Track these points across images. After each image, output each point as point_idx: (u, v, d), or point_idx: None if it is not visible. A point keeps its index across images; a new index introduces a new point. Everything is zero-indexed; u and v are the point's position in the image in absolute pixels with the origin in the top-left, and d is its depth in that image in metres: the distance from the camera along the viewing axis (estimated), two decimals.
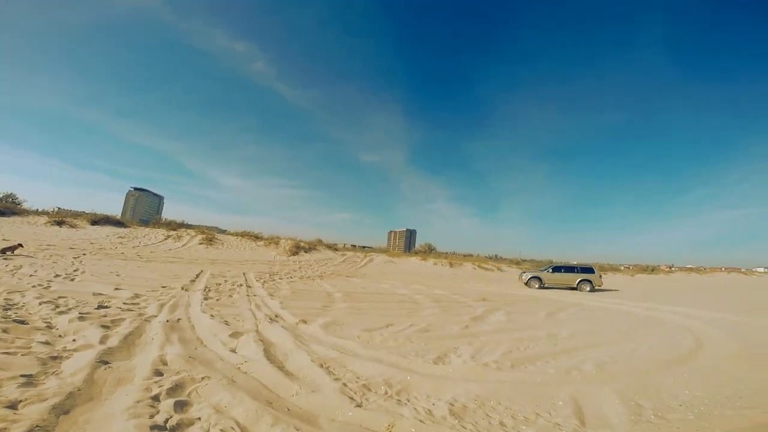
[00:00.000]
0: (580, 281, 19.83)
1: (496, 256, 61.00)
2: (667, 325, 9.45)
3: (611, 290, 21.41)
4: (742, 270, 61.53)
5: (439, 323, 8.07)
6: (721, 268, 60.03)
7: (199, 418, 3.01)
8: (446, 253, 50.78)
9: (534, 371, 4.93)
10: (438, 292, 14.19)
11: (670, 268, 60.45)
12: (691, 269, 56.05)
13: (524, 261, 48.57)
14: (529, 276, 20.02)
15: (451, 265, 28.05)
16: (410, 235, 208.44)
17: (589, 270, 20.46)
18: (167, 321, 6.25)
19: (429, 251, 42.52)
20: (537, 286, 19.66)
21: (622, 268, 53.49)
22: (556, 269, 20.56)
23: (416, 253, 34.55)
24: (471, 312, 9.81)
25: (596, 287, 19.90)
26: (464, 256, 44.29)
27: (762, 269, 68.41)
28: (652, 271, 49.58)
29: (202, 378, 3.84)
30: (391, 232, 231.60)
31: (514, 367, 5.04)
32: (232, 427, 2.89)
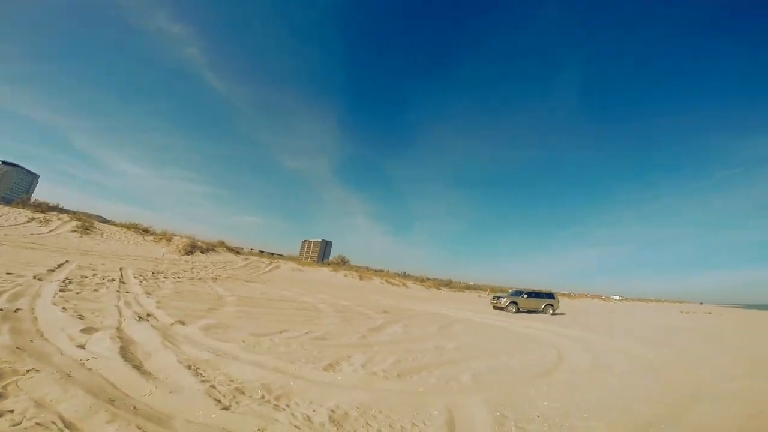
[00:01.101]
0: (545, 305, 22.31)
1: (405, 273, 63.22)
2: (537, 341, 10.50)
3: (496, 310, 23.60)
4: (603, 297, 73.99)
5: (337, 332, 7.90)
6: (586, 295, 70.94)
7: (12, 411, 2.58)
8: (359, 266, 51.11)
9: (418, 381, 5.04)
10: (343, 303, 14.01)
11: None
12: (563, 294, 65.20)
13: (428, 279, 51.24)
14: (509, 301, 21.48)
15: (361, 278, 28.16)
16: (325, 246, 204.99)
17: (551, 296, 23.05)
18: (0, 309, 5.04)
19: (342, 263, 42.26)
20: (514, 310, 21.33)
21: (510, 290, 59.78)
22: (529, 295, 22.56)
23: (329, 264, 33.99)
24: (371, 323, 9.83)
25: (555, 310, 22.71)
26: (376, 271, 45.03)
27: (617, 297, 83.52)
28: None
29: (28, 371, 3.28)
30: (305, 241, 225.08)
31: (401, 377, 5.10)
32: (53, 422, 2.50)
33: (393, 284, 30.31)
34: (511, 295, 22.71)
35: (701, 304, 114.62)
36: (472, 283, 59.18)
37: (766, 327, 24.84)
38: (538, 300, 22.74)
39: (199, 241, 26.21)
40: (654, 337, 13.80)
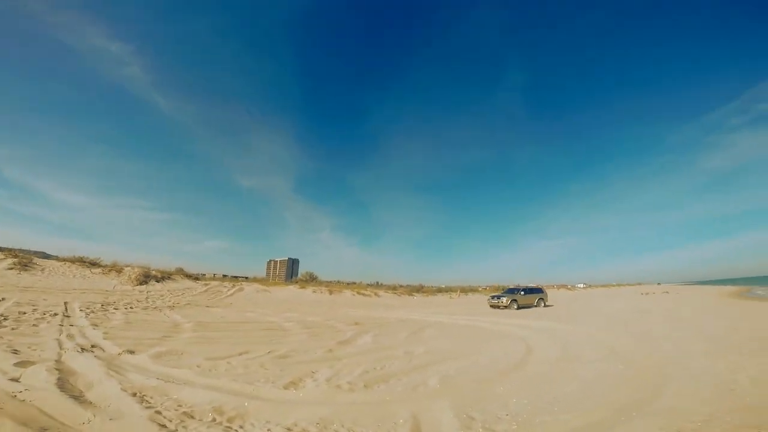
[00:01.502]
0: (538, 299, 24.19)
1: (377, 282, 62.83)
2: (506, 336, 10.47)
3: (469, 308, 23.82)
4: (568, 286, 77.27)
5: (303, 348, 7.55)
6: (553, 286, 73.60)
7: None
8: (329, 281, 50.15)
9: (385, 390, 4.83)
10: (311, 319, 13.55)
11: (517, 286, 71.30)
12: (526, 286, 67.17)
13: (400, 287, 51.20)
14: (510, 299, 22.14)
15: (330, 292, 27.55)
16: (292, 264, 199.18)
17: (541, 290, 25.28)
18: None
19: (310, 280, 41.28)
20: (516, 307, 22.04)
21: (480, 288, 61.13)
22: (525, 291, 24.08)
23: (296, 282, 33.03)
24: (340, 336, 9.52)
25: (546, 303, 24.56)
26: (347, 284, 44.38)
27: (582, 285, 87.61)
28: (502, 290, 57.75)
29: None
30: (270, 261, 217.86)
31: (367, 387, 4.89)
32: None
33: (364, 295, 29.92)
34: (508, 292, 23.68)
35: (659, 284, 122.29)
36: (443, 286, 59.73)
37: (715, 303, 26.67)
38: (533, 295, 24.11)
39: (153, 270, 24.64)
40: (618, 322, 14.09)
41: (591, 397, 4.52)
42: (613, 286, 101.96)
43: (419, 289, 51.30)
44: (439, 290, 54.32)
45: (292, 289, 26.78)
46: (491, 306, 22.86)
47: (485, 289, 62.62)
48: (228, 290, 23.59)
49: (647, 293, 47.34)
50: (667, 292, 49.84)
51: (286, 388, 4.66)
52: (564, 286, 74.34)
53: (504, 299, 22.35)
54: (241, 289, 24.19)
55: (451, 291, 53.12)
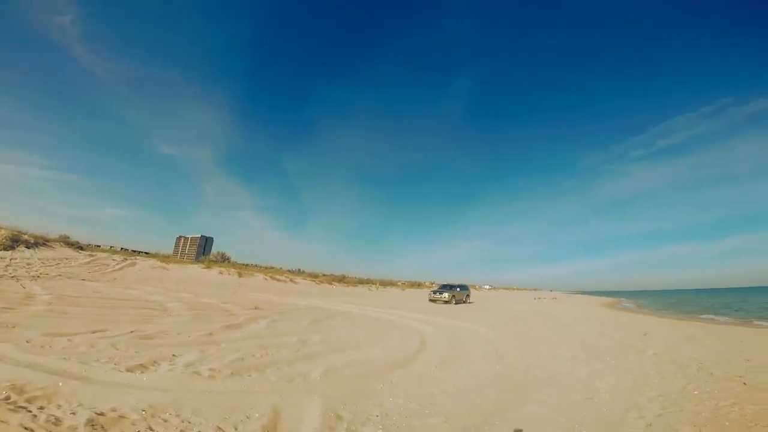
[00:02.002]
0: (467, 295, 27.35)
1: (299, 269, 61.19)
2: (408, 330, 10.51)
3: (385, 301, 24.24)
4: (476, 286, 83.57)
5: (177, 330, 6.80)
6: None
7: None
8: (247, 264, 47.30)
9: (256, 380, 4.43)
10: (205, 301, 12.48)
11: (432, 283, 74.93)
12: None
13: (322, 275, 50.58)
14: (450, 294, 24.01)
15: (240, 275, 25.91)
16: (205, 242, 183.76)
17: (467, 288, 28.53)
18: None
19: (222, 260, 38.52)
20: (454, 302, 23.98)
21: (399, 283, 63.15)
22: (461, 287, 27.16)
23: (202, 261, 30.48)
24: (231, 320, 8.82)
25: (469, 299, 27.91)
26: (266, 267, 42.24)
27: (487, 286, 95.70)
28: (419, 286, 60.58)
29: None
30: (180, 237, 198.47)
31: (234, 375, 4.45)
32: None
33: (278, 280, 28.76)
34: (444, 288, 26.08)
35: (551, 291, 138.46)
36: (365, 278, 60.37)
37: (591, 311, 30.67)
38: (463, 292, 26.88)
39: (24, 233, 20.76)
40: (509, 322, 15.09)
41: (464, 400, 4.44)
42: (514, 289, 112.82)
43: (341, 279, 51.08)
44: (361, 282, 54.71)
45: (196, 269, 24.61)
46: (431, 300, 24.31)
47: (403, 284, 64.81)
48: (117, 264, 20.82)
49: (539, 298, 53.07)
50: (555, 298, 56.39)
51: (129, 370, 4.04)
52: (472, 287, 79.99)
53: (446, 294, 23.99)
54: (133, 264, 21.50)
55: (371, 283, 53.93)
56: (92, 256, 21.61)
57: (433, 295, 24.81)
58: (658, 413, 4.19)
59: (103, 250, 29.53)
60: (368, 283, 54.20)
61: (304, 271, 50.79)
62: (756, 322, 18.33)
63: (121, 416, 2.82)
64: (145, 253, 46.93)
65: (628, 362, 7.20)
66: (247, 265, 46.63)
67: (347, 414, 3.70)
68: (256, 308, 11.72)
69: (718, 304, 37.43)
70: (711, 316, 22.46)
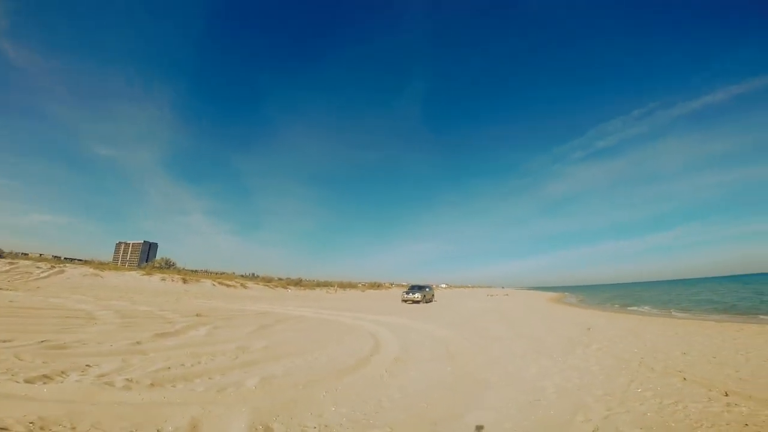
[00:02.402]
0: (432, 294, 29.24)
1: (253, 274, 59.01)
2: (361, 332, 10.20)
3: (342, 303, 23.83)
4: (433, 285, 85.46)
5: (99, 340, 6.18)
6: None
7: None
8: (196, 270, 44.64)
9: (180, 390, 4.03)
10: (142, 308, 11.53)
11: (391, 284, 75.42)
12: (403, 285, 72.08)
13: (276, 279, 49.10)
14: (420, 295, 25.68)
15: (184, 281, 24.38)
16: (149, 248, 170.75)
17: (431, 288, 31.14)
18: None
19: (167, 267, 36.13)
20: (425, 301, 25.81)
21: (359, 285, 62.90)
22: (428, 288, 29.36)
23: (143, 268, 28.35)
24: (166, 328, 8.17)
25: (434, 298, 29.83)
26: (217, 274, 40.11)
27: (444, 285, 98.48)
28: (379, 287, 60.76)
29: None
30: (121, 243, 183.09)
31: (154, 386, 4.03)
32: None
33: (229, 286, 27.42)
34: (414, 288, 27.60)
35: (503, 288, 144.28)
36: (324, 281, 59.41)
37: (540, 306, 32.17)
38: (430, 291, 29.31)
39: None
40: (462, 320, 15.14)
41: (411, 407, 4.23)
42: (469, 287, 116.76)
43: (298, 283, 49.81)
44: (319, 285, 53.71)
45: (135, 276, 22.82)
46: (403, 300, 25.84)
47: (364, 285, 64.57)
48: (42, 272, 18.75)
49: (492, 295, 55.05)
50: (507, 295, 58.88)
51: (29, 381, 3.56)
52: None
53: (417, 295, 25.94)
54: (61, 272, 19.48)
55: (330, 286, 53.09)
56: (12, 264, 19.31)
57: (405, 295, 26.25)
58: (605, 414, 4.07)
59: (30, 258, 26.53)
60: (326, 286, 53.36)
61: (258, 276, 49.00)
62: (674, 313, 20.26)
63: (3, 429, 2.41)
64: (79, 260, 42.91)
65: (575, 358, 7.23)
66: (196, 271, 44.11)
67: (279, 427, 3.37)
68: (198, 315, 11.00)
69: (649, 296, 41.07)
70: (647, 308, 24.41)
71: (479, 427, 3.74)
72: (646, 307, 24.33)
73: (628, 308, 25.29)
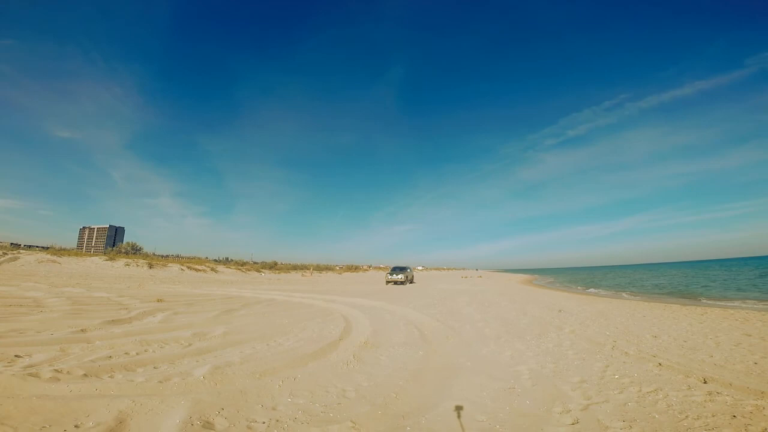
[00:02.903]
0: (412, 276, 30.00)
1: (227, 258, 57.90)
2: (333, 315, 9.97)
3: (321, 286, 23.66)
4: (417, 268, 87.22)
5: (39, 328, 5.79)
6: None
7: None
8: (166, 255, 43.17)
9: (118, 381, 3.73)
10: (98, 294, 11.00)
11: (369, 267, 75.99)
12: (380, 268, 72.66)
13: (248, 263, 48.35)
14: (404, 276, 26.71)
15: (150, 266, 23.51)
16: (115, 233, 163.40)
17: (410, 269, 31.76)
18: None
19: (133, 252, 34.77)
20: (408, 282, 27.10)
21: (336, 268, 63.04)
22: (407, 269, 30.14)
23: (105, 253, 27.13)
24: (120, 315, 7.77)
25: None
26: (187, 258, 38.94)
27: (420, 267, 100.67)
28: (356, 269, 60.98)
29: None
30: (85, 228, 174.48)
31: (87, 377, 3.73)
32: None
33: (198, 270, 26.70)
34: (397, 269, 28.70)
35: (477, 270, 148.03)
36: (299, 264, 59.03)
37: (512, 288, 32.99)
38: (411, 272, 30.21)
39: None
40: (436, 302, 15.09)
41: (379, 396, 3.93)
42: (444, 269, 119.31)
43: (273, 266, 49.24)
44: (294, 268, 53.33)
45: (97, 261, 21.78)
46: (388, 282, 26.73)
47: (341, 268, 64.64)
48: None
49: (466, 277, 56.41)
50: (480, 277, 60.45)
51: None
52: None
53: (401, 276, 27.10)
54: (14, 258, 18.34)
55: (305, 269, 52.75)
56: None
57: (389, 277, 27.20)
58: (584, 404, 3.83)
59: (21, 251, 24.75)
60: (302, 269, 53.02)
61: (231, 260, 48.04)
62: (625, 296, 21.33)
63: None
64: (41, 247, 40.61)
65: (548, 341, 7.15)
66: (166, 256, 42.68)
67: (221, 422, 3.05)
68: (158, 301, 10.58)
69: (621, 279, 43.13)
70: (617, 291, 25.60)
71: (450, 420, 3.40)
72: (602, 290, 25.59)
73: (590, 290, 26.51)
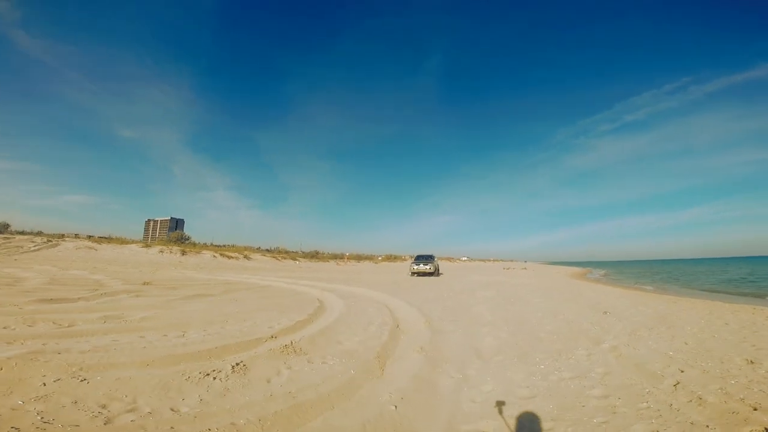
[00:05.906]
0: (437, 265, 27.11)
1: (277, 248, 60.14)
2: (303, 305, 8.43)
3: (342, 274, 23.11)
4: (452, 258, 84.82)
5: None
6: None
7: None
8: (216, 245, 45.54)
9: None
10: (87, 276, 11.25)
11: (410, 257, 75.42)
12: None
13: (294, 252, 50.05)
14: (432, 266, 24.49)
15: (183, 252, 24.56)
16: (176, 224, 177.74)
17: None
18: None
19: (182, 241, 37.05)
20: (437, 273, 25.41)
21: (378, 257, 63.21)
22: (433, 257, 27.23)
23: (142, 241, 28.95)
24: (78, 294, 7.70)
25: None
26: (244, 247, 40.70)
27: (465, 258, 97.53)
28: (395, 259, 60.77)
29: None
30: (150, 221, 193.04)
31: None
32: None
33: (230, 257, 27.54)
34: (421, 258, 25.90)
35: (525, 262, 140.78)
36: (339, 253, 59.94)
37: (557, 281, 30.13)
38: (436, 261, 27.24)
39: None
40: (448, 296, 13.93)
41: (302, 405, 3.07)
42: (490, 261, 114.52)
43: (314, 256, 50.24)
44: (334, 257, 54.15)
45: (133, 248, 23.18)
46: (412, 273, 24.25)
47: (380, 258, 64.50)
48: (35, 246, 19.23)
49: (508, 268, 53.07)
50: (525, 269, 56.62)
51: None
52: (448, 259, 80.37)
53: (429, 266, 24.55)
54: (55, 245, 19.97)
55: (340, 258, 53.22)
56: (8, 239, 19.93)
57: (414, 267, 24.44)
58: None
59: (72, 237, 27.75)
60: (340, 258, 53.52)
61: (270, 249, 49.57)
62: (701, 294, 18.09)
63: None
64: (107, 238, 45.03)
65: (568, 368, 4.50)
66: (224, 246, 44.91)
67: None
68: (144, 284, 10.52)
69: (680, 273, 38.01)
70: (681, 288, 22.20)
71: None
72: (662, 285, 22.12)
73: (665, 286, 23.18)
